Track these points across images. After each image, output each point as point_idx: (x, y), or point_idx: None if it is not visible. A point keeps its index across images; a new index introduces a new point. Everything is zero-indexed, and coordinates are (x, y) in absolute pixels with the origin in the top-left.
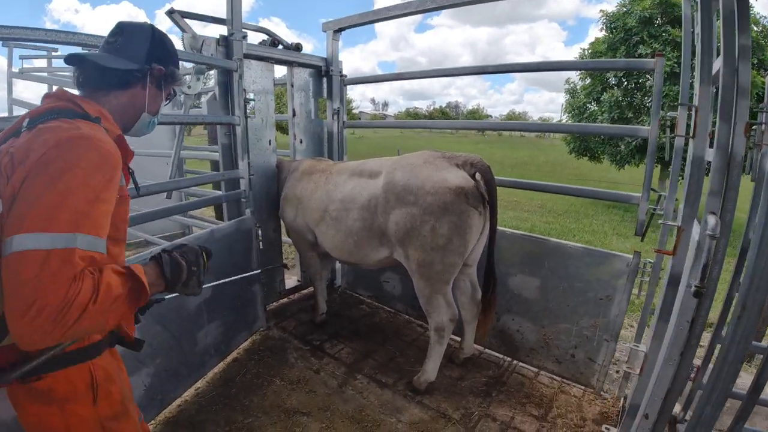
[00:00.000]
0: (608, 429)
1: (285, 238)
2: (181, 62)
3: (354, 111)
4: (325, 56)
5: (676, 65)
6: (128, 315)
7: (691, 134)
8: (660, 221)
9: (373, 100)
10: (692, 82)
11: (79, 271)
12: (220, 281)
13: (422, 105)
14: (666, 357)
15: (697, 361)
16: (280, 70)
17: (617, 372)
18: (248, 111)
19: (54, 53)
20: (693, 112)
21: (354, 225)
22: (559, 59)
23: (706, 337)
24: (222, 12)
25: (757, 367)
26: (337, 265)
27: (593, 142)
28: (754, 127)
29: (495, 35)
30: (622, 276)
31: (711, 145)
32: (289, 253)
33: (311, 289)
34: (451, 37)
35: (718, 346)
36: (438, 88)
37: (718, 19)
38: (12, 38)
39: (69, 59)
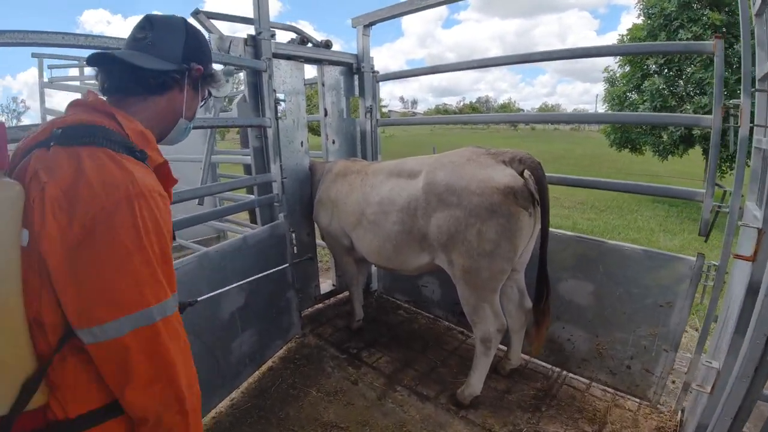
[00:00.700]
0: None
1: (319, 241)
2: None
3: (383, 109)
4: (355, 53)
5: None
6: None
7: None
8: (739, 223)
9: (402, 99)
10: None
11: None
12: (250, 279)
13: (452, 101)
14: (740, 374)
15: None
16: (310, 71)
17: (673, 382)
18: (279, 113)
19: (84, 63)
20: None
21: (392, 229)
22: (601, 45)
23: None
24: (248, 12)
25: None
26: (373, 268)
27: (635, 133)
28: None
29: (524, 26)
30: (685, 281)
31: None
32: (323, 256)
33: (347, 293)
34: (478, 31)
35: None
36: (467, 83)
37: None
38: (40, 44)
39: (93, 59)
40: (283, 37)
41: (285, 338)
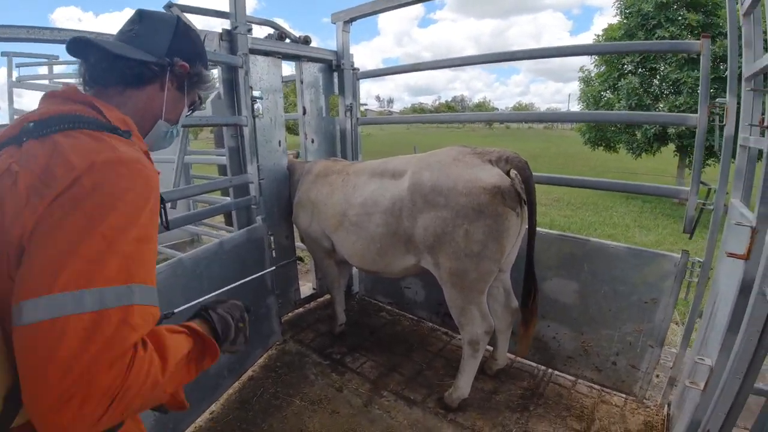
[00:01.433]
0: None
1: (299, 243)
2: None
3: (360, 108)
4: (335, 50)
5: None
6: (188, 380)
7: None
8: (733, 222)
9: (378, 97)
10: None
11: (140, 336)
12: (233, 285)
13: (428, 100)
14: (733, 371)
15: None
16: (286, 69)
17: (657, 377)
18: (255, 111)
19: (54, 61)
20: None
21: (376, 231)
22: (589, 44)
23: None
24: (223, 6)
25: None
26: (354, 269)
27: (609, 131)
28: None
29: (499, 27)
30: (669, 277)
31: (762, 134)
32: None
33: (327, 296)
34: (454, 30)
35: None
36: (443, 82)
37: None
38: (4, 38)
39: (72, 46)
40: (260, 32)
41: (265, 346)
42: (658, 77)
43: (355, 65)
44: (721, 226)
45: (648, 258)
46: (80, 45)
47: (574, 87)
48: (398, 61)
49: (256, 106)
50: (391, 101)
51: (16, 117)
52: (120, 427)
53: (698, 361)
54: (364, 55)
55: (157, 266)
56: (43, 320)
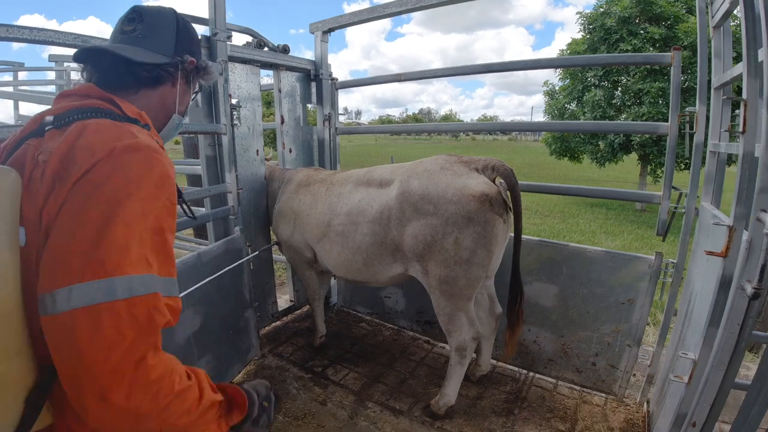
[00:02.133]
0: None
1: (276, 256)
2: None
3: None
4: (312, 59)
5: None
6: None
7: (741, 130)
8: (712, 222)
9: (346, 109)
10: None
11: (167, 321)
12: (210, 278)
13: (395, 112)
14: (716, 363)
15: None
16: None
17: (634, 375)
18: (234, 119)
19: (20, 68)
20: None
21: (363, 240)
22: (564, 57)
23: None
24: (202, 12)
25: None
26: (332, 280)
27: (574, 141)
28: None
29: (464, 41)
30: (645, 278)
31: (731, 139)
32: (278, 270)
33: (306, 308)
34: (421, 44)
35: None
36: (410, 95)
37: None
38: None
39: (81, 55)
40: (238, 40)
41: (244, 361)
42: (620, 89)
43: (333, 75)
44: (693, 227)
45: (624, 260)
46: (93, 53)
47: (537, 100)
48: (366, 74)
49: (235, 114)
50: (359, 113)
51: None
52: None
53: (681, 356)
54: (332, 67)
55: None
56: (76, 308)
